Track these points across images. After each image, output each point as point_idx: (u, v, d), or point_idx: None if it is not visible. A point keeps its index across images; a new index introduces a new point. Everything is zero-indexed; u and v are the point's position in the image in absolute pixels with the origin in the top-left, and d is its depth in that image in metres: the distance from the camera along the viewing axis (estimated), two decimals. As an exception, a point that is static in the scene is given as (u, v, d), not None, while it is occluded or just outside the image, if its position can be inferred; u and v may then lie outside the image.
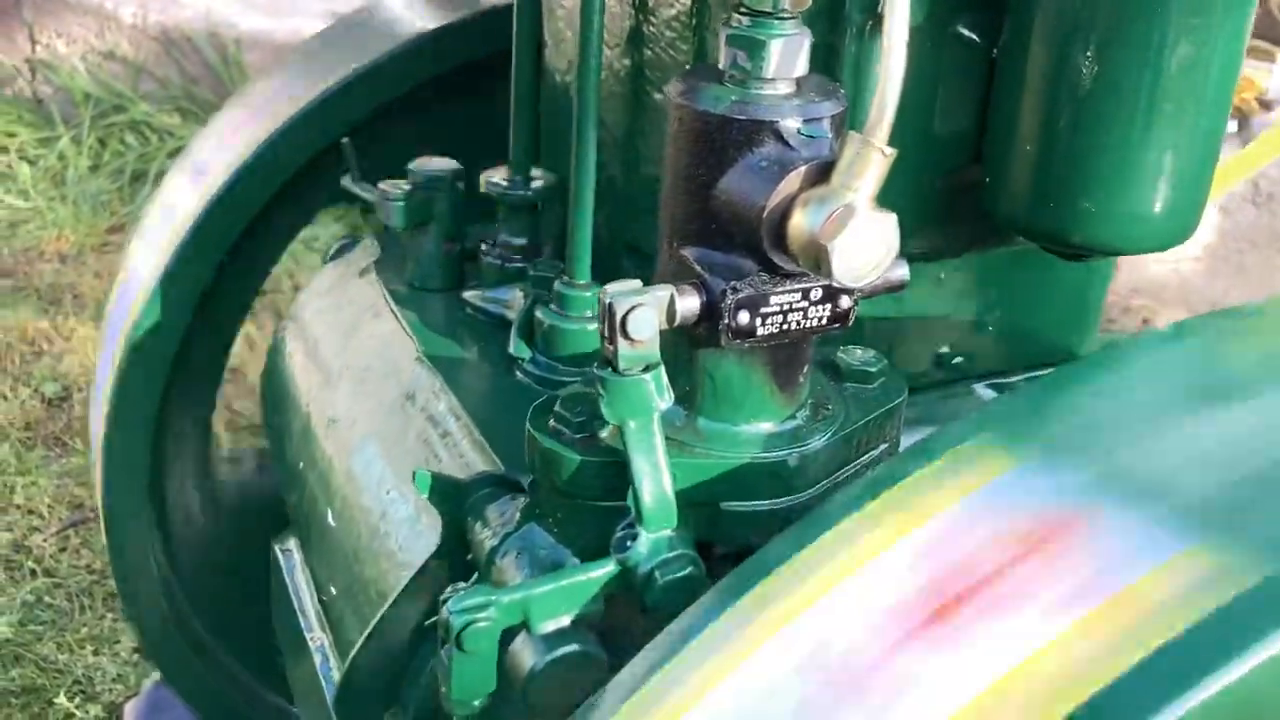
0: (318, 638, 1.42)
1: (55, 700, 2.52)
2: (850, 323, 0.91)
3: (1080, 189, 1.01)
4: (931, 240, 1.19)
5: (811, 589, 0.77)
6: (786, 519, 0.91)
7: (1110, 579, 0.67)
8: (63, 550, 2.94)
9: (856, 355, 1.02)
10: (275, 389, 1.53)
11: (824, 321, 0.90)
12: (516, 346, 1.26)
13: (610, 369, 0.86)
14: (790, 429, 0.94)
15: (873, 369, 1.01)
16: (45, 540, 2.96)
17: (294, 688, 1.58)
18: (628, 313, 0.84)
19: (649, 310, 0.85)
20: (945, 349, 1.27)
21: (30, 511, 3.05)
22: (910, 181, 1.14)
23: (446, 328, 1.36)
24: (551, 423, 0.93)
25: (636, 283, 0.87)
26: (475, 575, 0.98)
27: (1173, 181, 1.01)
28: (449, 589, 0.86)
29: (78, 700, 2.53)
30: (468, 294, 1.40)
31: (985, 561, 0.70)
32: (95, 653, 2.66)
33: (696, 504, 0.91)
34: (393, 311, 1.39)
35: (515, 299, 1.35)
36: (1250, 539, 0.66)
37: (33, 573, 2.86)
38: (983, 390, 1.29)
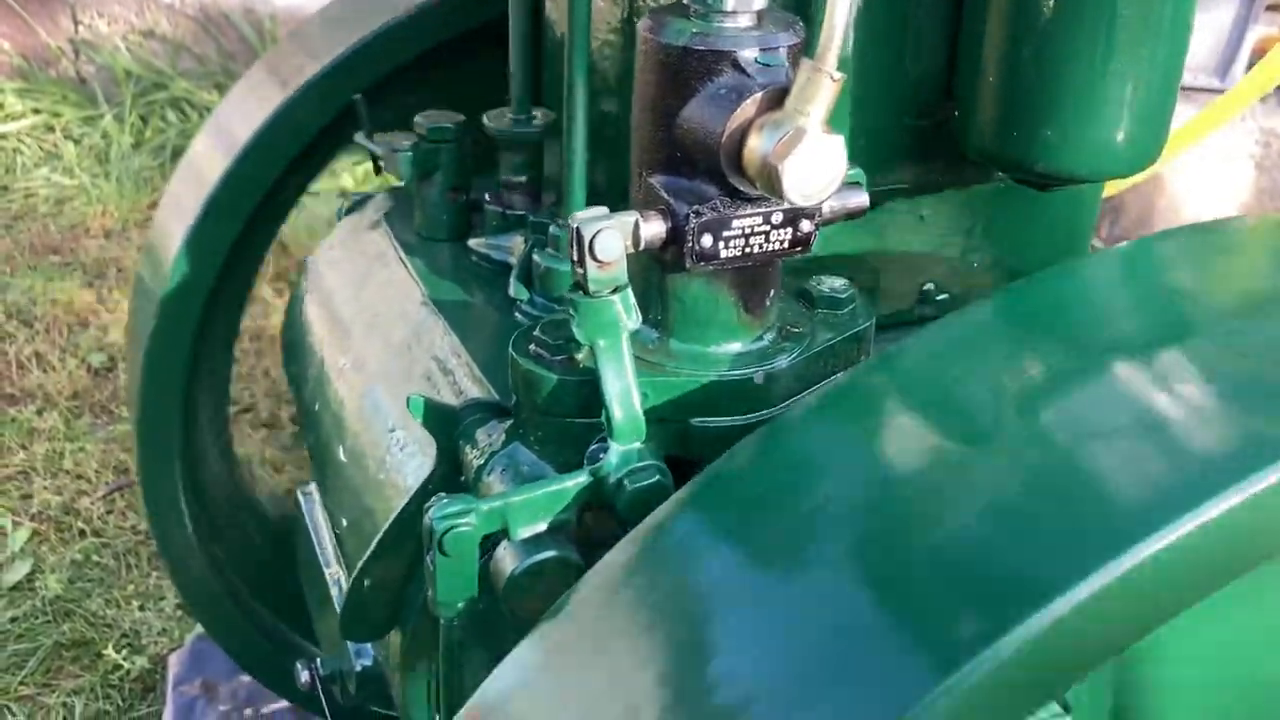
0: (334, 572, 1.49)
1: (104, 652, 2.63)
2: (811, 246, 0.95)
3: (1042, 118, 1.05)
4: (911, 176, 1.22)
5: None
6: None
7: None
8: (109, 512, 3.05)
9: (828, 283, 1.07)
10: (293, 338, 1.60)
11: (785, 245, 0.94)
12: (515, 289, 1.32)
13: (581, 292, 0.91)
14: (757, 349, 0.99)
15: (842, 295, 1.06)
16: (93, 503, 3.07)
17: (316, 626, 1.65)
18: (594, 236, 0.89)
19: (614, 233, 0.90)
20: (929, 285, 1.30)
21: (79, 476, 3.16)
22: (886, 119, 1.18)
23: (452, 274, 1.42)
24: (532, 347, 0.99)
25: (604, 209, 0.92)
26: (466, 494, 1.04)
27: (1132, 110, 1.04)
28: (433, 499, 0.92)
29: (125, 652, 2.63)
30: (473, 242, 1.45)
31: None
32: (141, 608, 2.76)
33: (667, 420, 0.96)
34: (401, 260, 1.45)
35: (516, 245, 1.40)
36: None
37: (81, 533, 2.97)
38: (967, 325, 1.33)
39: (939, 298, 1.31)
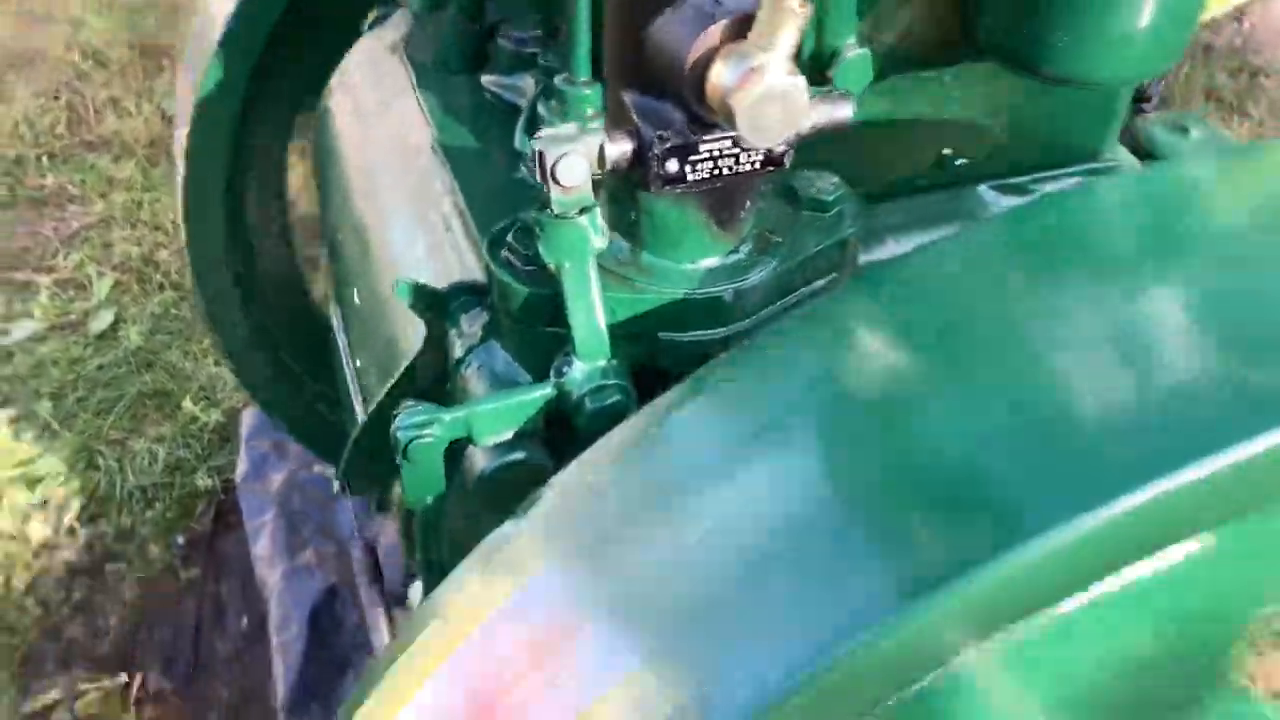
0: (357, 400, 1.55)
1: (183, 404, 2.80)
2: (786, 166, 0.92)
3: (1056, 17, 0.97)
4: (932, 42, 1.15)
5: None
6: (724, 347, 0.96)
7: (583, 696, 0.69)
8: (186, 265, 3.15)
9: (815, 184, 1.03)
10: (321, 157, 1.60)
11: (757, 165, 0.91)
12: (521, 141, 1.30)
13: (547, 211, 0.90)
14: (731, 262, 0.97)
15: (829, 198, 1.02)
16: (170, 255, 3.18)
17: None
18: (557, 161, 0.87)
19: (578, 158, 0.88)
20: (948, 150, 1.24)
21: (156, 228, 3.26)
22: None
23: (463, 113, 1.39)
24: (504, 254, 0.99)
25: (572, 127, 0.89)
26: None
27: (1153, 5, 0.95)
28: (401, 405, 0.95)
29: (202, 405, 2.80)
30: (485, 79, 1.42)
31: (507, 672, 0.73)
32: (216, 364, 2.89)
33: (636, 335, 0.97)
34: (415, 95, 1.43)
35: (527, 85, 1.37)
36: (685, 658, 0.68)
37: (160, 286, 3.09)
38: (986, 192, 1.28)
39: (958, 163, 1.26)
